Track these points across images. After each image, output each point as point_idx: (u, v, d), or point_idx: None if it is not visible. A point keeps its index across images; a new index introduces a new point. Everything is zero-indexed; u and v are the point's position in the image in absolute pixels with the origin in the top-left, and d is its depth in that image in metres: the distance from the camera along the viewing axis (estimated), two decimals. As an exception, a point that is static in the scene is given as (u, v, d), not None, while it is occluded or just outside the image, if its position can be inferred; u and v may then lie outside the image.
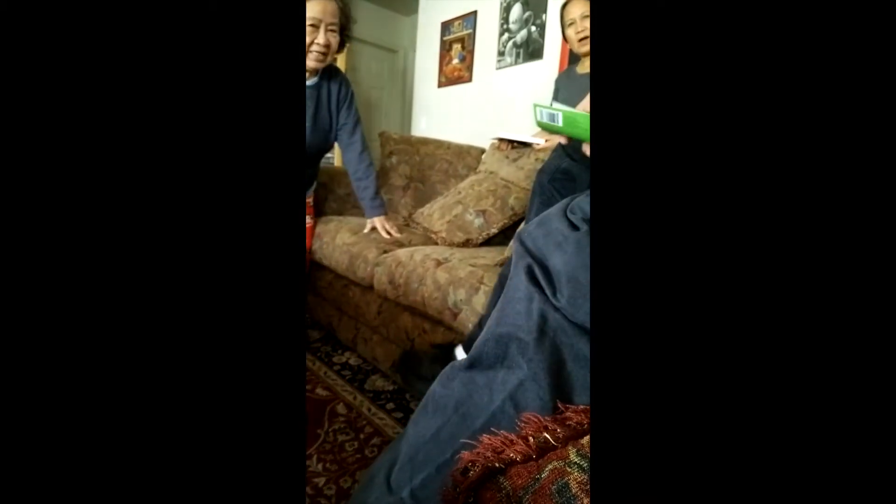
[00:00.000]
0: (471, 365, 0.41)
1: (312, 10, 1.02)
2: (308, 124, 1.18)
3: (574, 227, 0.38)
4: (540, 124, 0.45)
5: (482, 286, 0.90)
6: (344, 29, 1.12)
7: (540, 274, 0.38)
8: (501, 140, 1.54)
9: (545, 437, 0.31)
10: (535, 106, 0.46)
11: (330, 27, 1.06)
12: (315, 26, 1.03)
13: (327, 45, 1.06)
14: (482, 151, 1.75)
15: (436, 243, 1.35)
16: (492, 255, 1.11)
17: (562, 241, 0.38)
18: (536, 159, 1.40)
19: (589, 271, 0.35)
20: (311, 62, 1.07)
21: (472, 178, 1.53)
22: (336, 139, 1.28)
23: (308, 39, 1.04)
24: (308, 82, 1.16)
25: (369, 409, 1.03)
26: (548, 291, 0.37)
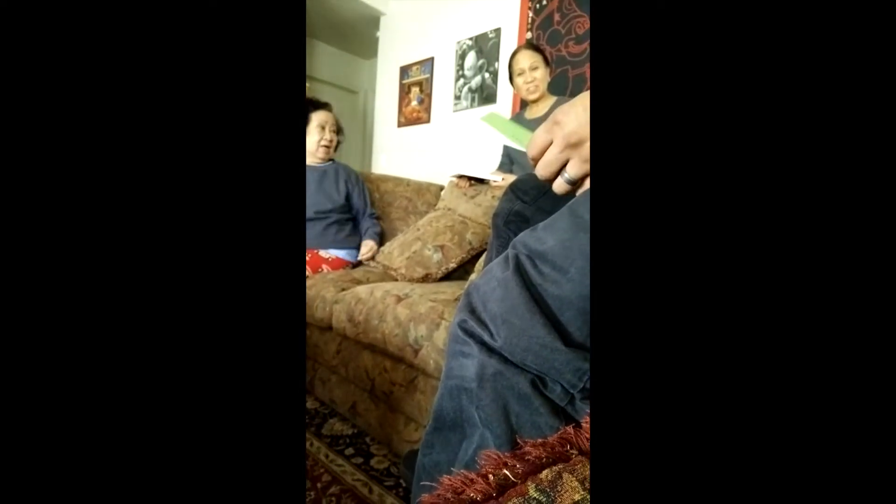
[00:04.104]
0: (437, 426, 0.41)
1: (320, 118, 1.61)
2: (312, 184, 1.64)
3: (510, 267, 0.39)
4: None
5: (443, 321, 0.90)
6: (339, 132, 1.71)
7: (475, 323, 0.39)
8: (461, 177, 1.60)
9: (505, 474, 0.31)
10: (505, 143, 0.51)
11: (332, 129, 1.65)
12: (323, 127, 1.61)
13: (331, 140, 1.66)
14: (441, 188, 1.80)
15: (395, 280, 1.34)
16: (452, 289, 1.12)
17: (496, 285, 0.39)
18: (493, 197, 1.45)
19: (518, 313, 0.37)
20: (321, 153, 1.65)
21: (431, 214, 1.56)
22: (353, 209, 1.75)
23: (318, 136, 1.62)
24: (320, 165, 1.69)
25: (327, 456, 0.98)
26: (485, 336, 0.38)
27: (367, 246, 1.60)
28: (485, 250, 1.34)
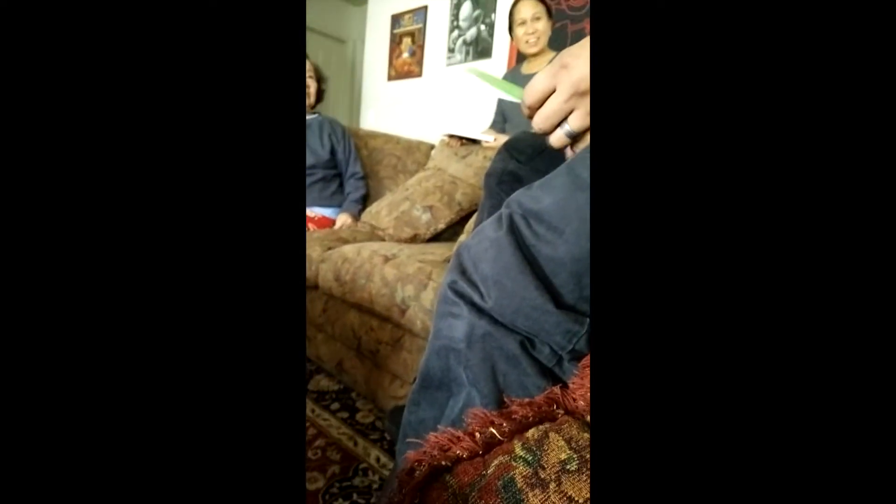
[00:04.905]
0: (424, 385, 0.41)
1: None
2: None
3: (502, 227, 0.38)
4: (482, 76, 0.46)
5: (430, 282, 0.89)
6: (321, 80, 1.61)
7: (465, 284, 0.38)
8: (452, 136, 1.55)
9: (491, 432, 0.31)
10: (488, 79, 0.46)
11: (310, 75, 1.56)
12: None
13: (308, 88, 1.56)
14: (432, 147, 1.75)
15: (383, 240, 1.32)
16: (441, 250, 1.10)
17: (488, 246, 0.38)
18: (485, 157, 1.42)
19: (510, 274, 0.36)
20: None
21: (421, 174, 1.52)
22: (338, 165, 1.67)
23: None
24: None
25: (313, 411, 1.00)
26: (475, 297, 0.37)
27: (341, 220, 1.54)
28: (474, 212, 1.33)
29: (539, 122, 0.39)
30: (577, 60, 0.36)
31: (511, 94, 0.45)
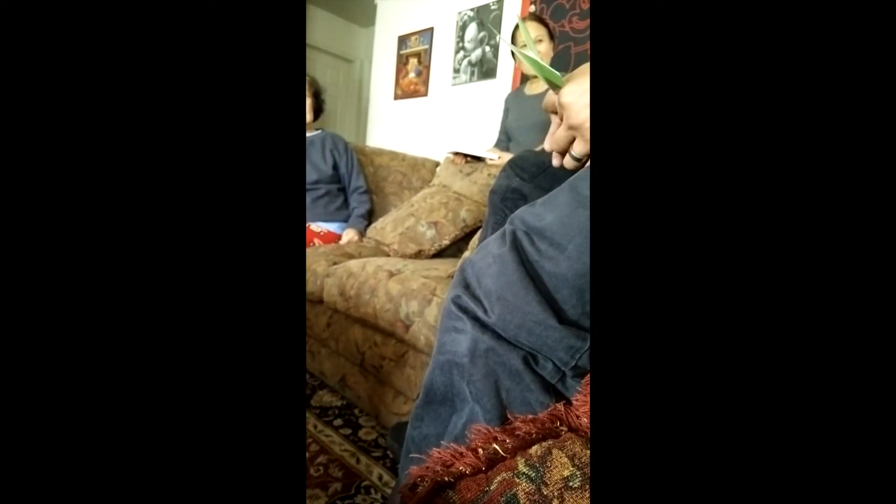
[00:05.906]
0: (427, 400, 0.41)
1: None
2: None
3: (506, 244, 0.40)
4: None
5: (435, 298, 0.90)
6: (318, 94, 1.58)
7: (469, 299, 0.39)
8: (456, 154, 1.58)
9: (494, 448, 0.31)
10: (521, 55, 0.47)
11: (308, 92, 1.53)
12: None
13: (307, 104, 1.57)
14: (437, 164, 1.77)
15: (388, 255, 1.33)
16: (445, 266, 1.11)
17: (491, 261, 0.39)
18: (489, 174, 1.43)
19: (513, 289, 0.37)
20: None
21: (426, 191, 1.54)
22: (342, 180, 1.68)
23: None
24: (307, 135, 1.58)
25: (315, 426, 0.99)
26: (478, 312, 0.38)
27: (347, 235, 1.54)
28: (478, 228, 1.33)
29: (548, 144, 0.44)
30: (568, 98, 0.40)
31: (551, 78, 0.44)
